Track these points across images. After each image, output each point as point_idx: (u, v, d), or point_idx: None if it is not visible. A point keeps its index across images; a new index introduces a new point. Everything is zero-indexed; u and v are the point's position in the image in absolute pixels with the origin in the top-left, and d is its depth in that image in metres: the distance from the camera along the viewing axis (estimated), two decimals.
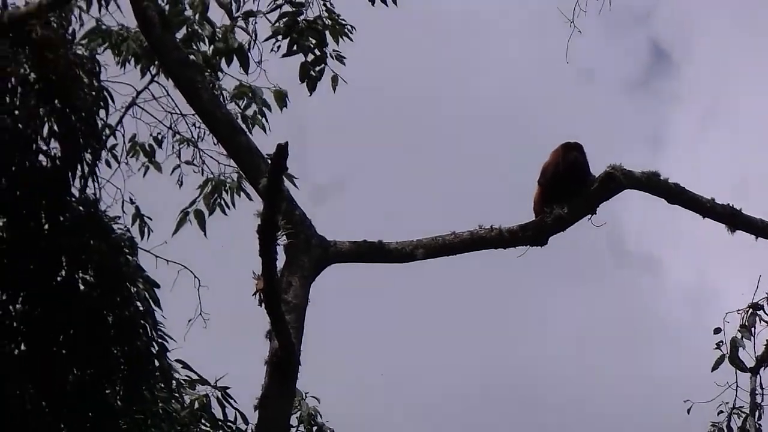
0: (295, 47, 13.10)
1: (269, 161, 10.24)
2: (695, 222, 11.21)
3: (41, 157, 11.63)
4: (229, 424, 12.34)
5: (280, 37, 13.11)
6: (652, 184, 11.23)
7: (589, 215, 11.45)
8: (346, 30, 13.17)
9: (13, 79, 11.65)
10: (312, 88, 13.11)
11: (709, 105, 23.85)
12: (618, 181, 11.21)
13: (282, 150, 9.55)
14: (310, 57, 13.12)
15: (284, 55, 13.12)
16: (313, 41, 13.10)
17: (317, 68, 13.11)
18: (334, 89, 13.18)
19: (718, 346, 12.71)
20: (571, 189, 11.45)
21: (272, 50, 13.15)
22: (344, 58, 13.16)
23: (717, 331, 12.72)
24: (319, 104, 13.25)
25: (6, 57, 11.68)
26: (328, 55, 13.18)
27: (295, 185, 12.37)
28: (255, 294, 10.62)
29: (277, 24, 13.11)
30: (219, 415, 12.38)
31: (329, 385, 13.39)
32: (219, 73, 13.59)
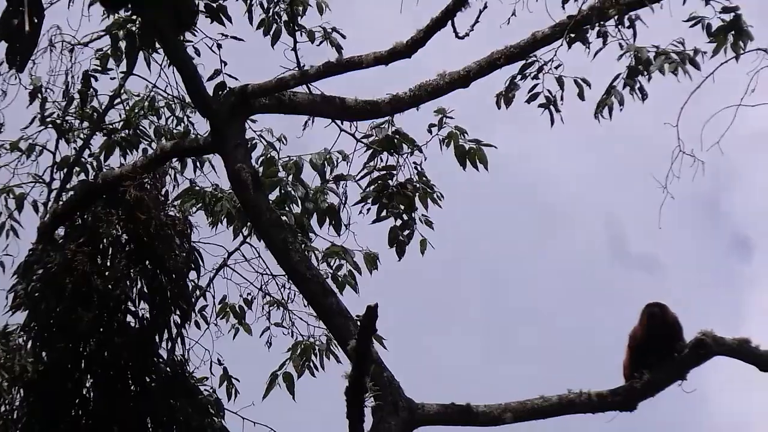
0: (384, 212, 13.03)
1: (358, 323, 10.12)
2: None
3: (129, 318, 11.62)
4: None
5: (370, 200, 13.05)
6: (744, 351, 11.03)
7: (680, 381, 11.23)
8: (435, 196, 13.09)
9: (104, 240, 11.69)
10: (401, 253, 12.98)
11: None
12: (709, 347, 11.02)
13: (372, 312, 9.47)
14: (399, 222, 13.05)
15: (374, 221, 13.03)
16: (402, 206, 13.03)
17: (405, 233, 13.03)
18: (423, 253, 13.06)
19: None
20: (657, 350, 11.24)
21: (361, 213, 13.08)
22: (432, 222, 13.08)
23: None
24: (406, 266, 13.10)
25: (100, 218, 11.75)
26: (417, 219, 13.10)
27: (384, 347, 12.27)
28: None
29: (367, 189, 13.06)
30: None
31: None
32: (310, 235, 13.53)
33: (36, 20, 11.50)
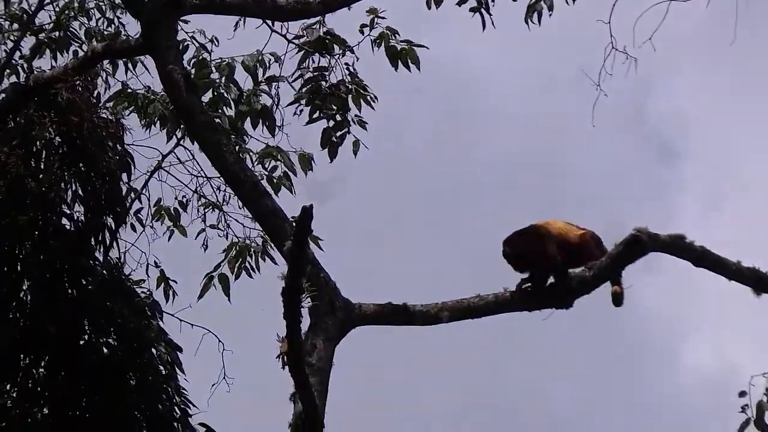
0: (317, 113, 13.03)
1: (294, 224, 10.12)
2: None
3: (65, 221, 11.59)
4: None
5: (303, 102, 13.05)
6: (678, 246, 11.06)
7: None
8: (369, 98, 13.09)
9: (38, 143, 11.62)
10: (333, 155, 13.01)
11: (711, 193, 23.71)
12: (643, 242, 11.05)
13: (307, 212, 9.41)
14: (332, 123, 13.05)
15: (307, 123, 13.04)
16: (335, 107, 13.03)
17: (339, 133, 13.03)
18: (355, 154, 13.08)
19: (744, 409, 12.64)
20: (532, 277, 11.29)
21: (295, 113, 13.07)
22: (366, 123, 13.07)
23: (742, 394, 12.64)
24: (339, 167, 13.14)
25: (32, 121, 11.68)
26: (350, 120, 13.10)
27: (320, 247, 12.29)
28: (278, 357, 10.48)
29: (300, 91, 13.05)
30: None
31: None
32: (245, 137, 13.51)
33: None
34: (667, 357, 23.96)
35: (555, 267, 11.13)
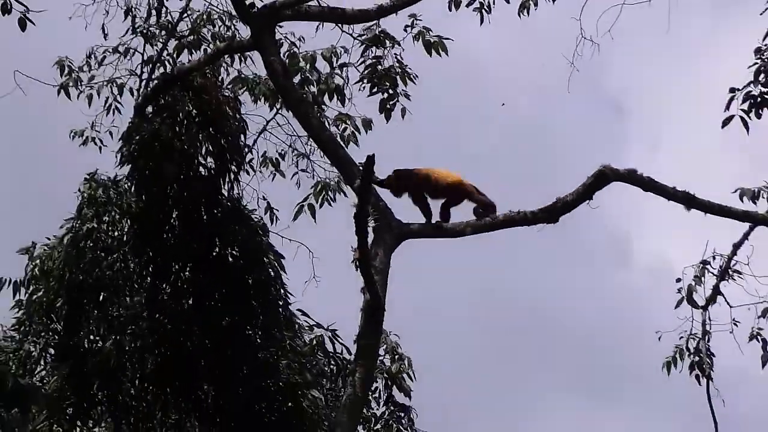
0: (375, 89, 12.94)
1: (361, 168, 10.01)
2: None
3: (201, 169, 11.52)
4: (337, 355, 12.09)
5: (365, 81, 12.97)
6: (632, 177, 10.91)
7: (588, 200, 11.11)
8: (411, 77, 12.98)
9: (180, 114, 11.53)
10: (388, 118, 12.96)
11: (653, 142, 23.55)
12: (607, 175, 10.90)
13: (370, 159, 9.47)
14: (386, 95, 12.95)
15: (368, 96, 13.01)
16: (388, 84, 12.92)
17: (391, 103, 12.94)
18: (403, 117, 13.00)
19: (679, 291, 12.70)
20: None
21: (359, 90, 13.05)
22: (409, 95, 12.98)
23: (678, 280, 12.75)
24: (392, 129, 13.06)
25: (176, 99, 11.59)
26: (399, 93, 12.98)
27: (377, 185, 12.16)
28: (353, 262, 10.43)
29: (363, 73, 12.95)
30: (330, 348, 12.12)
31: (404, 323, 13.16)
32: (324, 107, 13.41)
33: None
34: (624, 259, 23.84)
35: (419, 201, 10.98)
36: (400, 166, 11.16)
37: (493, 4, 12.81)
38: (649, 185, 10.87)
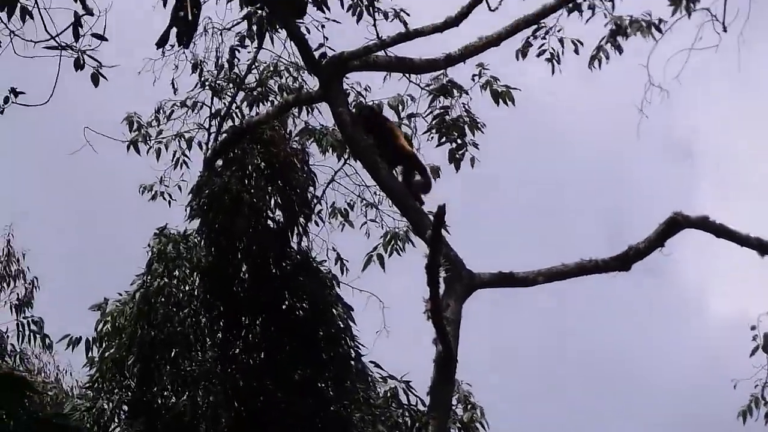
0: (444, 139, 12.89)
1: (432, 217, 9.95)
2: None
3: (270, 222, 11.54)
4: (411, 407, 11.96)
5: (433, 131, 12.93)
6: (705, 224, 10.79)
7: (660, 248, 10.96)
8: (479, 126, 12.92)
9: (249, 167, 11.58)
10: (457, 168, 12.90)
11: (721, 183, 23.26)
12: (679, 222, 10.78)
13: (441, 209, 9.41)
14: (454, 145, 12.90)
15: (437, 146, 12.99)
16: (456, 133, 12.87)
17: (459, 152, 12.88)
18: (473, 166, 12.93)
19: (754, 338, 12.56)
20: None
21: (428, 139, 13.00)
22: (478, 145, 12.90)
23: (753, 328, 12.66)
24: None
25: (245, 152, 11.65)
26: (467, 143, 12.92)
27: (448, 233, 12.07)
28: (424, 312, 10.34)
29: (431, 123, 12.92)
30: (404, 400, 11.99)
31: (476, 374, 13.01)
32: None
33: (195, 11, 11.40)
34: (698, 306, 23.55)
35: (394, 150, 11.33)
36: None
37: (562, 54, 12.71)
38: (722, 232, 10.77)
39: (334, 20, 12.54)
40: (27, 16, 9.53)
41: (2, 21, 9.02)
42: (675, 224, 10.81)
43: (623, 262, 10.95)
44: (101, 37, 9.55)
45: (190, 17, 11.26)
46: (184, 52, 13.12)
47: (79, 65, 10.07)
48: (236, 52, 13.48)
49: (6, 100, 9.53)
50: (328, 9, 12.56)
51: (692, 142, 24.37)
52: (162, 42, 12.01)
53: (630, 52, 12.66)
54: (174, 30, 11.85)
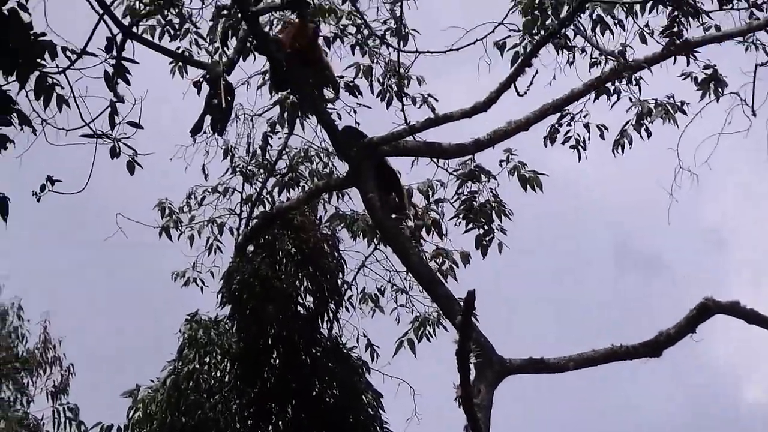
0: (471, 225, 12.91)
1: (461, 303, 9.95)
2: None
3: (300, 308, 11.56)
4: None
5: (461, 216, 12.96)
6: (736, 310, 10.75)
7: (691, 334, 10.90)
8: (507, 212, 12.93)
9: (280, 253, 11.63)
10: (484, 254, 12.86)
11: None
12: (710, 308, 10.74)
13: (471, 295, 9.39)
14: (482, 231, 12.90)
15: (465, 231, 12.95)
16: (484, 220, 12.89)
17: (487, 238, 12.88)
18: (500, 252, 12.88)
19: None
20: None
21: (455, 225, 13.00)
22: (506, 230, 12.89)
23: None
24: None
25: (276, 238, 11.71)
26: (495, 228, 12.93)
27: (477, 320, 12.03)
28: (455, 399, 10.28)
29: (459, 208, 12.94)
30: None
31: None
32: (421, 241, 13.36)
33: (229, 99, 11.52)
34: (733, 391, 23.31)
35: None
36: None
37: (588, 139, 12.74)
38: (753, 318, 10.74)
39: (364, 105, 12.70)
40: (63, 105, 9.64)
41: (34, 109, 9.09)
42: (706, 310, 10.76)
43: (654, 348, 10.89)
44: (136, 125, 9.57)
45: (224, 105, 11.38)
46: (215, 138, 13.27)
47: (115, 153, 10.11)
48: (269, 137, 13.64)
49: (42, 188, 9.58)
50: (361, 94, 12.78)
51: (722, 226, 24.29)
52: (196, 130, 12.11)
53: (659, 135, 12.73)
54: (208, 117, 11.96)
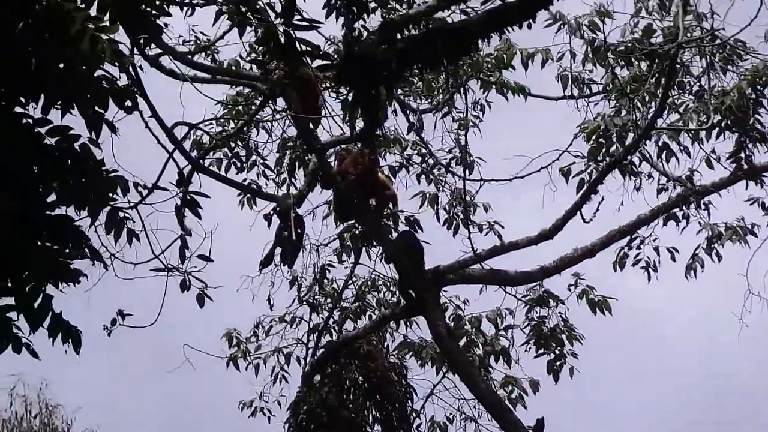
0: (541, 350, 12.85)
1: (530, 431, 9.84)
2: None
3: None
4: None
5: (531, 342, 12.90)
6: None
7: None
8: (577, 336, 12.87)
9: (347, 382, 11.62)
10: (556, 379, 12.84)
11: None
12: None
13: (540, 423, 9.34)
14: (552, 356, 12.83)
15: (535, 357, 12.93)
16: (554, 344, 12.81)
17: (558, 363, 12.79)
18: (572, 376, 12.84)
19: None
20: None
21: (525, 351, 13.00)
22: (577, 355, 12.82)
23: None
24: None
25: (343, 367, 11.71)
26: (566, 353, 12.84)
27: None
28: None
29: (529, 334, 12.88)
30: None
31: None
32: (490, 369, 13.28)
33: (299, 231, 11.61)
34: None
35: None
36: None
37: (659, 263, 12.71)
38: None
39: (424, 242, 12.66)
40: (133, 238, 9.75)
41: (103, 244, 9.17)
42: None
43: None
44: (207, 258, 9.65)
45: (294, 237, 11.44)
46: (281, 269, 13.36)
47: (185, 287, 10.18)
48: (332, 267, 13.71)
49: (113, 322, 9.68)
50: (421, 229, 12.71)
51: None
52: (266, 262, 12.10)
53: (729, 258, 12.65)
54: (278, 249, 12.02)
